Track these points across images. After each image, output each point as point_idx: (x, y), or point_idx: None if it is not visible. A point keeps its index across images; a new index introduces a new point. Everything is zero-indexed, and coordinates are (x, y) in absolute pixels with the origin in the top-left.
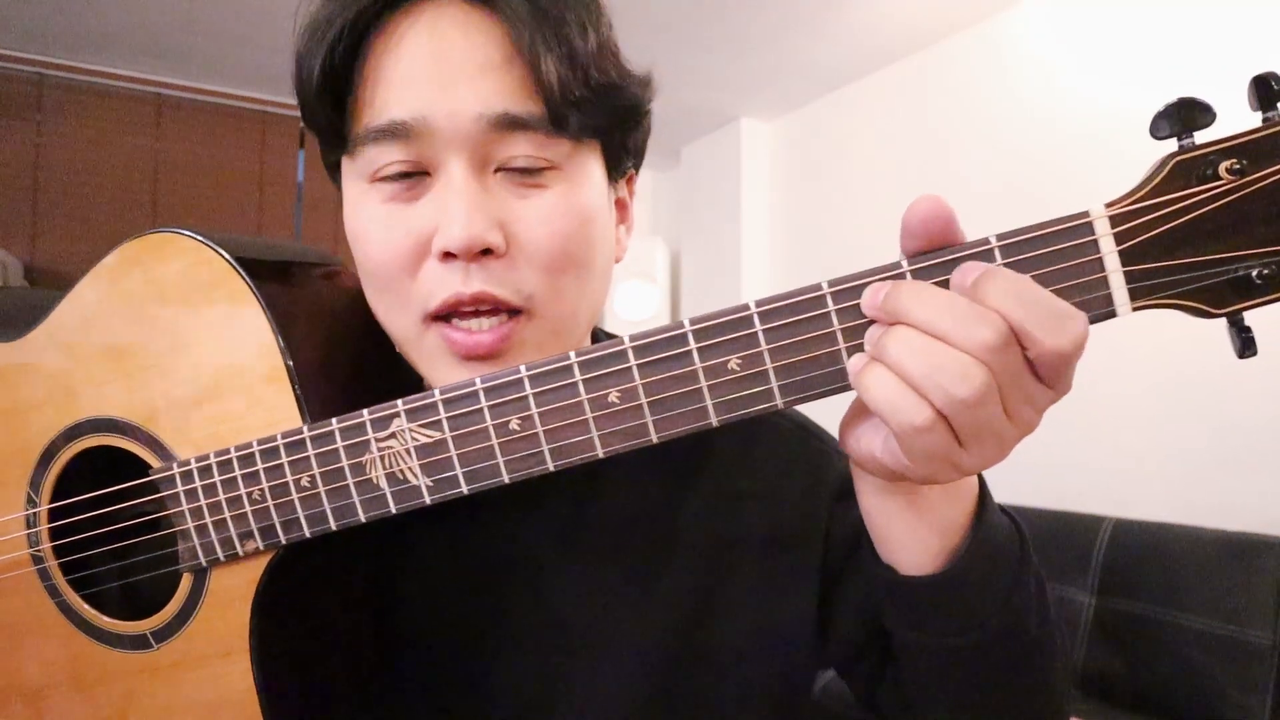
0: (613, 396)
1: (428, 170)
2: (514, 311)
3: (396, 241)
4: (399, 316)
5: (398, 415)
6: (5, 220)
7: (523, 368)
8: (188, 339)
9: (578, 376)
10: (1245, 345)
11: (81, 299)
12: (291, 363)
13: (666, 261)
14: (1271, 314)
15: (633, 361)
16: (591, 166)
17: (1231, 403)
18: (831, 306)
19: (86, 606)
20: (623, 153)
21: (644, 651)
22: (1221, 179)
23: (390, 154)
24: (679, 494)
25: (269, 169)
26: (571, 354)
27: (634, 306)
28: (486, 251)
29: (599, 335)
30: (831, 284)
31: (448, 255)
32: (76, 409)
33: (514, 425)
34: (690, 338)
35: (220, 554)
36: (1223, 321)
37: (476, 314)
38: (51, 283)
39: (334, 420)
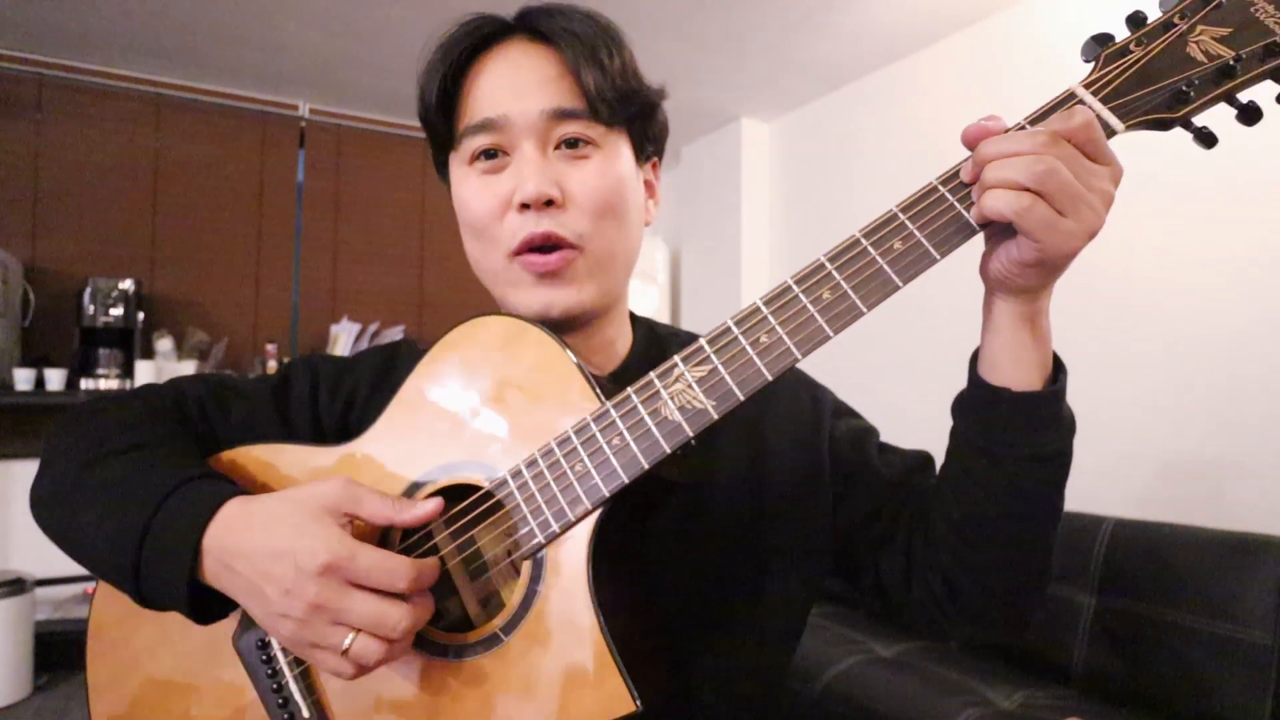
0: (824, 294)
1: (507, 152)
2: (570, 248)
3: (488, 201)
4: (490, 254)
5: (675, 365)
6: (5, 220)
7: (758, 300)
8: (515, 380)
9: (797, 289)
10: (1204, 140)
11: (424, 374)
12: (585, 369)
13: (666, 261)
14: (1269, 316)
15: (831, 268)
16: (622, 147)
17: (1231, 402)
18: (943, 189)
19: (437, 630)
20: (645, 140)
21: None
22: (1133, 51)
23: (482, 141)
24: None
25: (269, 169)
26: (788, 278)
27: (633, 306)
28: (550, 203)
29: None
30: (939, 177)
31: (524, 206)
32: (423, 464)
33: (762, 339)
34: (862, 240)
35: (555, 526)
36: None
37: (544, 250)
38: (51, 282)
39: (629, 388)
